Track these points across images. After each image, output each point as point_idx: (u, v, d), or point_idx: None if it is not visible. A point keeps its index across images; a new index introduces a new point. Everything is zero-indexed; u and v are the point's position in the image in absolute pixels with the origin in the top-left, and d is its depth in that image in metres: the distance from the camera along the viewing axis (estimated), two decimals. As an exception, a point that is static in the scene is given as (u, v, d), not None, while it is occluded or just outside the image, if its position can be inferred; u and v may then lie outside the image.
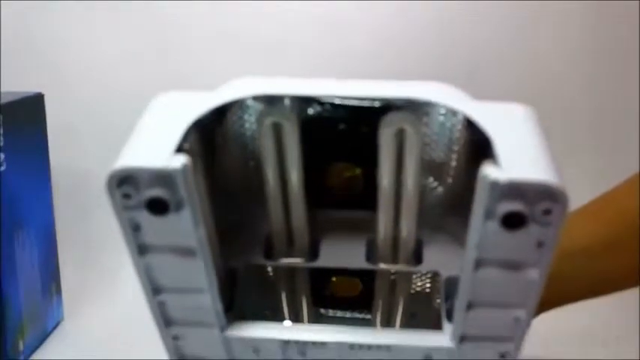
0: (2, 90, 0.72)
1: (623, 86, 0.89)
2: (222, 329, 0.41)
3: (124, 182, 0.33)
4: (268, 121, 0.40)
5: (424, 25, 0.89)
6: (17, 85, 0.75)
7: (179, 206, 0.34)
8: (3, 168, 0.65)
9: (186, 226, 0.35)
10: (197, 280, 0.38)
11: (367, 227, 0.46)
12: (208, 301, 0.39)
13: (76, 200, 0.91)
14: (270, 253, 0.47)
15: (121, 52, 0.91)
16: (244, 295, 0.44)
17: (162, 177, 0.33)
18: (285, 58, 0.90)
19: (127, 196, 0.34)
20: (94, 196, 0.89)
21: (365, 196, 0.45)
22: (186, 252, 0.36)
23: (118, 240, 0.37)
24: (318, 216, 0.47)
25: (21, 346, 0.69)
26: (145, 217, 0.34)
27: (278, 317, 0.43)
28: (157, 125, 0.35)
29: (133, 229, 0.35)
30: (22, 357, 0.69)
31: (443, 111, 0.41)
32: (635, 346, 0.69)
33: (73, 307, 0.80)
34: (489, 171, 0.31)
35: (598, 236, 0.50)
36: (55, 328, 0.77)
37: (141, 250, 0.36)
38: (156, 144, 0.34)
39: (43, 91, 0.74)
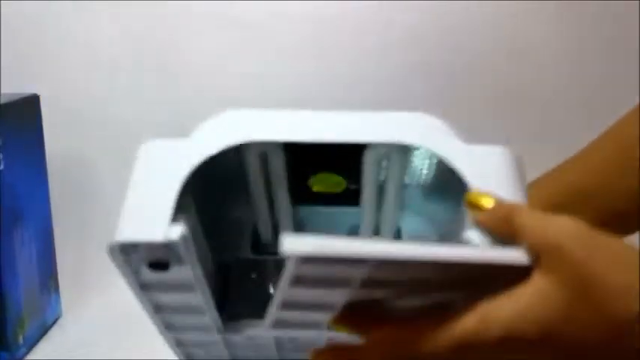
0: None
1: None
2: (219, 332, 0.43)
3: (126, 250, 0.34)
4: (254, 151, 0.42)
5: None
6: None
7: (179, 262, 0.35)
8: (1, 167, 0.67)
9: (187, 274, 0.36)
10: (196, 305, 0.40)
11: (348, 219, 0.48)
12: (206, 319, 0.41)
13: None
14: (257, 248, 0.48)
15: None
16: (236, 290, 0.46)
17: (163, 247, 0.34)
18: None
19: (129, 258, 0.35)
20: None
21: (346, 195, 0.47)
22: (186, 288, 0.38)
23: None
24: (303, 211, 0.48)
25: (21, 340, 0.71)
26: (147, 271, 0.36)
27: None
28: (151, 188, 0.36)
29: (135, 275, 0.36)
30: (22, 350, 0.71)
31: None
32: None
33: (72, 302, 0.82)
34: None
35: (587, 178, 0.54)
36: (54, 323, 0.79)
37: (142, 287, 0.38)
38: (152, 212, 0.35)
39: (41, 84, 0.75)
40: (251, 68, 0.91)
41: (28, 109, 0.74)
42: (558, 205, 0.52)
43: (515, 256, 0.33)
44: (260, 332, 0.42)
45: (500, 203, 0.35)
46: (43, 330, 0.76)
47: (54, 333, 0.77)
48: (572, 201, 0.53)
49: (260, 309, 0.44)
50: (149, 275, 0.36)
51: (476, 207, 0.35)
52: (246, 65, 0.91)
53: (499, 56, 0.91)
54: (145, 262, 0.35)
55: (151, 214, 0.35)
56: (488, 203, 0.35)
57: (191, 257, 0.35)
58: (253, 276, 0.48)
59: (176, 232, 0.34)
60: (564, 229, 0.32)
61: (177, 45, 0.92)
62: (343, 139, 0.38)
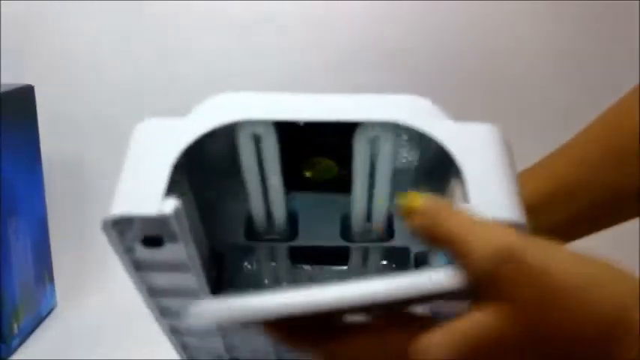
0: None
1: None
2: None
3: (120, 225, 0.35)
4: (247, 132, 0.42)
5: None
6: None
7: (173, 239, 0.35)
8: (-4, 159, 0.67)
9: (180, 252, 0.37)
10: (190, 287, 0.40)
11: (341, 206, 0.48)
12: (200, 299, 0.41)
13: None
14: (251, 234, 0.48)
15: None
16: (230, 279, 0.46)
17: (156, 221, 0.34)
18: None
19: (123, 234, 0.35)
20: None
21: (339, 181, 0.47)
22: (180, 268, 0.38)
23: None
24: (296, 198, 0.48)
25: (16, 330, 0.71)
26: (141, 248, 0.36)
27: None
28: (145, 164, 0.37)
29: (129, 253, 0.37)
30: (16, 339, 0.72)
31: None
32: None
33: (67, 293, 0.82)
34: None
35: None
36: (48, 314, 0.79)
37: (137, 267, 0.38)
38: (146, 187, 0.35)
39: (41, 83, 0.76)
40: (251, 68, 0.91)
41: (22, 100, 0.74)
42: (547, 197, 0.52)
43: (446, 282, 0.30)
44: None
45: (430, 205, 0.31)
46: (38, 321, 0.77)
47: (48, 321, 0.78)
48: (561, 193, 0.53)
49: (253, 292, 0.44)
50: (143, 253, 0.36)
51: (407, 210, 0.32)
52: (246, 65, 0.91)
53: (497, 55, 0.92)
54: (139, 238, 0.35)
55: (145, 189, 0.35)
56: (416, 203, 0.32)
57: (184, 233, 0.35)
58: (247, 265, 0.48)
59: (169, 205, 0.34)
60: (497, 253, 0.29)
61: (177, 44, 0.92)
62: (333, 117, 0.39)
